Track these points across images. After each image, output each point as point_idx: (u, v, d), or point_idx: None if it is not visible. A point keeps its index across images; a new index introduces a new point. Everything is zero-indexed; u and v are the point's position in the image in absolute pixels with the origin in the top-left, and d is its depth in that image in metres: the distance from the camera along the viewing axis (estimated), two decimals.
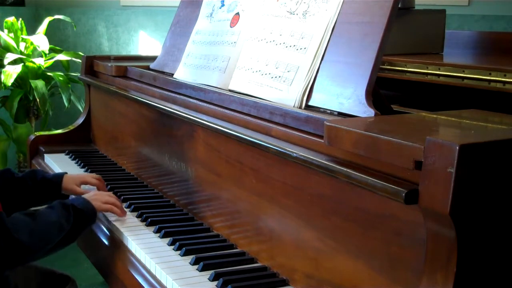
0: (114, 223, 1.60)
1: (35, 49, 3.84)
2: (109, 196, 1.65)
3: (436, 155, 0.87)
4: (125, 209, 1.69)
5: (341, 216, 1.12)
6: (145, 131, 1.97)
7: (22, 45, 3.85)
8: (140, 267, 1.40)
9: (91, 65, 2.46)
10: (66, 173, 1.84)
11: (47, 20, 3.89)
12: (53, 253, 1.50)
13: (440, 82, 1.54)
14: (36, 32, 3.90)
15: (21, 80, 3.73)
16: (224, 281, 1.24)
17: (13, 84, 3.60)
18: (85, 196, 1.62)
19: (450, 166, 0.84)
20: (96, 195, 1.63)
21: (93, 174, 1.94)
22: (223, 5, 1.80)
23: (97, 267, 1.69)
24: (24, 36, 3.85)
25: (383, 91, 1.38)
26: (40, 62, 3.70)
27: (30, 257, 1.47)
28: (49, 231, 1.45)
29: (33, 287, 1.77)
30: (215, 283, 1.26)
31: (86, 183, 1.82)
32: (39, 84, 3.60)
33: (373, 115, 1.18)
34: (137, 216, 1.64)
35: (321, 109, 1.31)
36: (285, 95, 1.39)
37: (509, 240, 0.92)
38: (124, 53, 4.07)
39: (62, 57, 3.80)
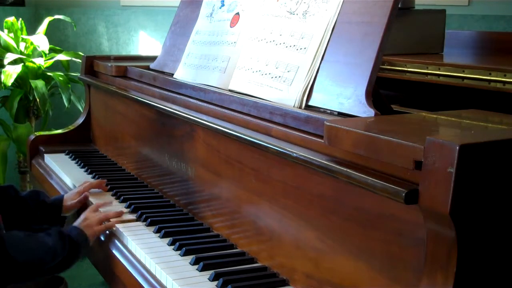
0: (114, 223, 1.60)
1: (35, 49, 3.84)
2: (97, 214, 1.63)
3: (436, 155, 0.87)
4: (124, 209, 1.69)
5: (341, 216, 1.12)
6: (145, 131, 1.97)
7: (22, 45, 3.85)
8: (140, 267, 1.40)
9: (91, 65, 2.46)
10: (63, 195, 1.83)
11: (47, 20, 3.89)
12: (43, 276, 1.49)
13: (440, 82, 1.54)
14: (36, 32, 3.90)
15: (21, 80, 3.73)
16: (224, 281, 1.24)
17: (13, 84, 3.59)
18: (78, 224, 1.58)
19: (450, 166, 0.84)
20: (87, 221, 1.59)
21: (89, 179, 1.95)
22: (223, 5, 1.80)
23: (97, 267, 1.69)
24: (24, 36, 3.85)
25: (383, 91, 1.38)
26: (40, 62, 3.70)
27: (21, 277, 1.46)
28: (43, 255, 1.45)
29: (31, 287, 1.77)
30: (215, 283, 1.26)
31: (82, 192, 1.81)
32: (39, 84, 3.60)
33: (373, 115, 1.18)
34: (137, 216, 1.64)
35: (321, 109, 1.31)
36: (285, 95, 1.39)
37: (509, 240, 0.92)
38: (124, 53, 4.07)
39: (62, 57, 3.79)
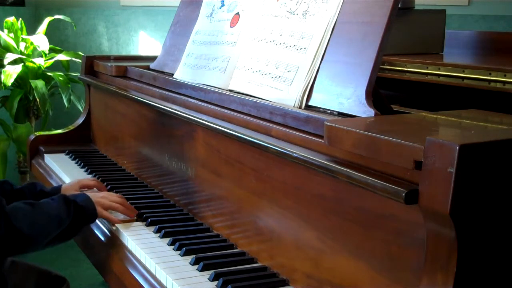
0: None
1: (35, 49, 3.84)
2: (115, 197, 1.64)
3: (436, 155, 0.87)
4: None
5: (341, 216, 1.12)
6: (145, 131, 1.97)
7: (22, 45, 3.85)
8: (140, 267, 1.40)
9: (91, 65, 2.46)
10: (61, 185, 1.83)
11: (47, 20, 3.89)
12: (49, 247, 1.49)
13: (440, 82, 1.54)
14: (36, 32, 3.90)
15: (21, 80, 3.73)
16: (224, 281, 1.24)
17: (13, 84, 3.59)
18: (92, 195, 1.60)
19: (450, 166, 0.84)
20: (103, 198, 1.60)
21: (89, 177, 1.95)
22: (223, 5, 1.80)
23: (97, 267, 1.68)
24: (24, 36, 3.85)
25: (383, 91, 1.38)
26: (40, 62, 3.70)
27: (28, 247, 1.46)
28: (48, 223, 1.45)
29: (30, 287, 1.77)
30: (215, 283, 1.26)
31: (85, 186, 1.82)
32: (39, 84, 3.60)
33: (373, 115, 1.18)
34: (137, 216, 1.64)
35: (321, 109, 1.31)
36: (285, 95, 1.39)
37: (509, 240, 0.92)
38: (124, 53, 4.07)
39: (62, 57, 3.80)
